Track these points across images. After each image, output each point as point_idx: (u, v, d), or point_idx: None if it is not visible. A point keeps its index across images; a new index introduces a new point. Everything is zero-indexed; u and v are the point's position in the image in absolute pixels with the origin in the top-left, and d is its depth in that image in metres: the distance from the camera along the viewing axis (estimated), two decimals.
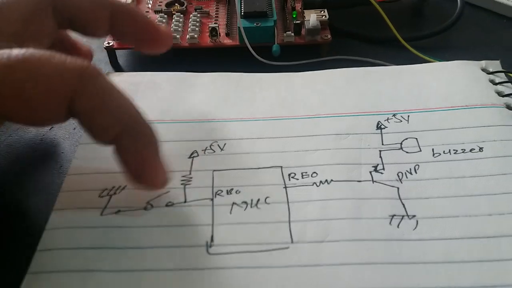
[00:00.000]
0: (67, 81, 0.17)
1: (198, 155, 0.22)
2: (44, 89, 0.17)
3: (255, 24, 0.28)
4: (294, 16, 0.30)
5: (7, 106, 0.17)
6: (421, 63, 0.27)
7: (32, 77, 0.17)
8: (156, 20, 0.30)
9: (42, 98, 0.17)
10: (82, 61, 0.18)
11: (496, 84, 0.25)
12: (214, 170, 0.21)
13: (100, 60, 0.30)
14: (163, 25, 0.30)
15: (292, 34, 0.29)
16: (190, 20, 0.30)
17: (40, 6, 0.20)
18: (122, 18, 0.22)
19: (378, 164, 0.21)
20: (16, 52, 0.17)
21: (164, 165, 0.19)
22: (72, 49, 0.25)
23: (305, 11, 0.30)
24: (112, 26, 0.22)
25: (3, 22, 0.19)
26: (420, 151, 0.22)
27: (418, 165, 0.21)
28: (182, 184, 0.21)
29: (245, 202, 0.20)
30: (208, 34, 0.29)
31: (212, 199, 0.20)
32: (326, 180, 0.21)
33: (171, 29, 0.30)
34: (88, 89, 0.17)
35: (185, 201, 0.20)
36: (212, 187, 0.21)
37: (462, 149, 0.22)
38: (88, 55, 0.26)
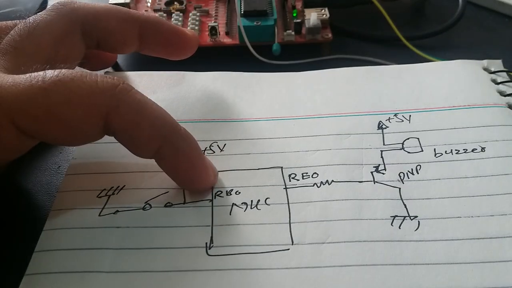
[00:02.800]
0: (101, 100, 0.17)
1: None
2: (79, 110, 0.17)
3: (255, 23, 0.28)
4: (294, 15, 0.30)
5: (44, 128, 0.17)
6: (423, 62, 0.27)
7: (67, 99, 0.17)
8: None
9: (78, 120, 0.17)
10: (113, 79, 0.18)
11: (498, 83, 0.25)
12: None
13: None
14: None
15: (293, 33, 0.29)
16: (190, 19, 0.30)
17: (70, 29, 0.21)
18: (150, 32, 0.23)
19: (379, 165, 0.21)
20: (50, 74, 0.17)
21: (209, 164, 0.20)
22: (95, 56, 0.25)
23: (305, 9, 0.30)
24: (141, 42, 0.23)
25: (36, 46, 0.19)
26: (422, 151, 0.22)
27: (420, 165, 0.21)
28: None
29: (245, 203, 0.20)
30: (207, 33, 0.29)
31: (211, 200, 0.20)
32: (327, 181, 0.20)
33: None
34: (122, 106, 0.18)
35: (184, 202, 0.20)
36: (212, 187, 0.20)
37: (464, 149, 0.21)
38: (113, 57, 0.26)
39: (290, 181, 0.21)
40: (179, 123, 0.19)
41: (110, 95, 0.18)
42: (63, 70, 0.17)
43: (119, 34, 0.22)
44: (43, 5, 0.32)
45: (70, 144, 0.23)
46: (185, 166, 0.19)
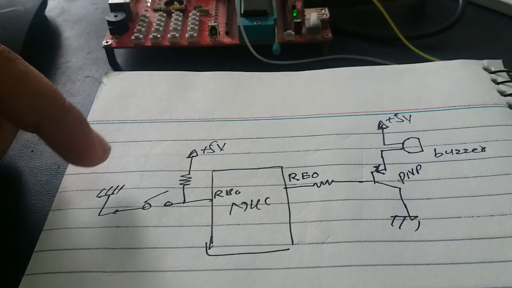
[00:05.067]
0: None
1: (197, 155, 0.22)
2: None
3: (255, 23, 0.28)
4: (294, 14, 0.30)
5: None
6: (423, 62, 0.27)
7: None
8: (155, 19, 0.30)
9: None
10: None
11: (498, 83, 0.25)
12: (213, 170, 0.21)
13: (99, 59, 0.30)
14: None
15: (293, 32, 0.29)
16: (189, 18, 0.30)
17: None
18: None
19: (379, 164, 0.21)
20: None
21: (97, 140, 0.19)
22: None
23: (305, 9, 0.30)
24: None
25: None
26: (422, 151, 0.22)
27: (420, 165, 0.21)
28: (181, 184, 0.21)
29: (245, 203, 0.20)
30: (207, 32, 0.29)
31: (211, 200, 0.20)
32: (327, 181, 0.20)
33: (170, 28, 0.29)
34: (2, 73, 0.16)
35: (184, 202, 0.20)
36: (212, 187, 0.20)
37: (464, 149, 0.21)
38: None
39: (290, 180, 0.21)
40: (62, 97, 0.18)
41: None
42: None
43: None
44: (43, 5, 0.32)
45: None
46: (66, 141, 0.18)
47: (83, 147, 0.19)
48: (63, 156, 0.19)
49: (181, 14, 0.31)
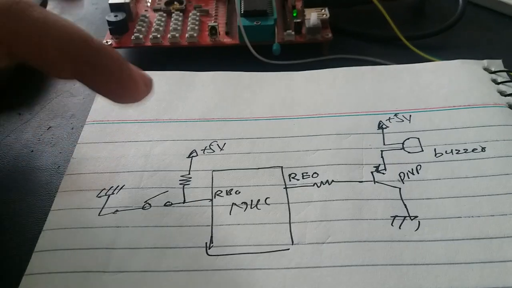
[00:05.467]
0: None
1: (197, 155, 0.22)
2: None
3: (255, 23, 0.28)
4: (294, 14, 0.30)
5: None
6: (423, 62, 0.27)
7: None
8: (155, 19, 0.30)
9: None
10: None
11: (498, 83, 0.25)
12: (213, 170, 0.21)
13: None
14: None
15: (293, 32, 0.29)
16: (189, 18, 0.30)
17: None
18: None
19: (379, 164, 0.21)
20: None
21: (137, 73, 0.18)
22: None
23: (305, 9, 0.30)
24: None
25: None
26: (422, 151, 0.22)
27: (420, 165, 0.21)
28: (181, 184, 0.21)
29: (245, 203, 0.20)
30: (207, 33, 0.29)
31: (211, 200, 0.20)
32: (327, 181, 0.20)
33: (170, 28, 0.29)
34: (21, 27, 0.16)
35: (184, 202, 0.20)
36: (212, 187, 0.20)
37: (464, 149, 0.21)
38: None
39: (290, 180, 0.21)
40: (91, 37, 0.17)
41: (6, 18, 0.15)
42: None
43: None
44: (43, 5, 0.32)
45: None
46: (106, 81, 0.17)
47: (123, 84, 0.18)
48: (106, 96, 0.18)
49: (181, 14, 0.31)
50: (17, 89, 0.28)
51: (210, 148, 0.22)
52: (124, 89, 0.18)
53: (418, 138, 0.22)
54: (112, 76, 0.18)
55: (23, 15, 0.16)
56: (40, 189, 0.22)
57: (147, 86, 0.19)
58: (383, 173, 0.21)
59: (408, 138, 0.22)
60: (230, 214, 0.19)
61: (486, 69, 0.26)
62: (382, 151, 0.22)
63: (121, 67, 0.18)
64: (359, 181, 0.20)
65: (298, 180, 0.21)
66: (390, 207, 0.19)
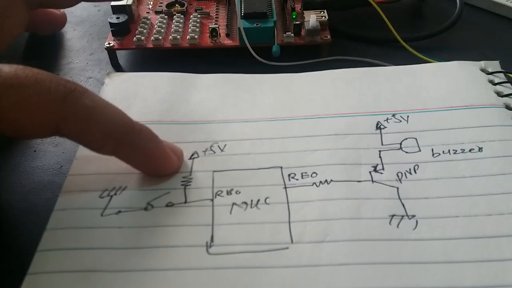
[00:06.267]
0: (50, 110, 0.18)
1: (198, 156, 0.22)
2: (28, 117, 0.17)
3: (255, 25, 0.28)
4: (294, 16, 0.30)
5: None
6: (421, 63, 0.27)
7: (17, 107, 0.17)
8: (156, 21, 0.31)
9: (27, 124, 0.18)
10: (66, 84, 0.18)
11: (495, 84, 0.25)
12: (214, 171, 0.21)
13: (101, 60, 0.30)
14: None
15: (292, 34, 0.29)
16: (191, 21, 0.30)
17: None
18: None
19: (377, 164, 0.21)
20: (3, 75, 0.17)
21: (170, 148, 0.21)
22: (42, 19, 0.26)
23: (304, 11, 0.30)
24: None
25: None
26: (420, 151, 0.22)
27: (418, 165, 0.21)
28: (182, 185, 0.21)
29: (245, 203, 0.20)
30: (208, 34, 0.29)
31: (212, 200, 0.20)
32: (326, 180, 0.21)
33: (172, 29, 0.30)
34: (72, 115, 0.18)
35: (185, 202, 0.20)
36: (212, 187, 0.21)
37: (461, 149, 0.22)
38: (62, 18, 0.28)
39: (289, 180, 0.21)
40: (132, 121, 0.19)
41: (60, 106, 0.18)
42: (18, 70, 0.17)
43: None
44: None
45: (19, 139, 0.24)
46: (144, 159, 0.20)
47: (159, 160, 0.20)
48: (143, 171, 0.21)
49: (182, 16, 0.31)
50: None
51: (211, 150, 0.22)
52: (159, 165, 0.20)
53: (416, 138, 0.22)
54: (148, 153, 0.20)
55: (76, 103, 0.18)
56: (43, 189, 0.22)
57: (179, 159, 0.21)
58: (381, 173, 0.21)
59: (406, 139, 0.22)
60: (230, 213, 0.20)
61: (483, 70, 0.26)
62: (380, 151, 0.22)
63: (156, 145, 0.20)
64: (358, 181, 0.21)
65: (297, 180, 0.21)
66: (388, 206, 0.20)
